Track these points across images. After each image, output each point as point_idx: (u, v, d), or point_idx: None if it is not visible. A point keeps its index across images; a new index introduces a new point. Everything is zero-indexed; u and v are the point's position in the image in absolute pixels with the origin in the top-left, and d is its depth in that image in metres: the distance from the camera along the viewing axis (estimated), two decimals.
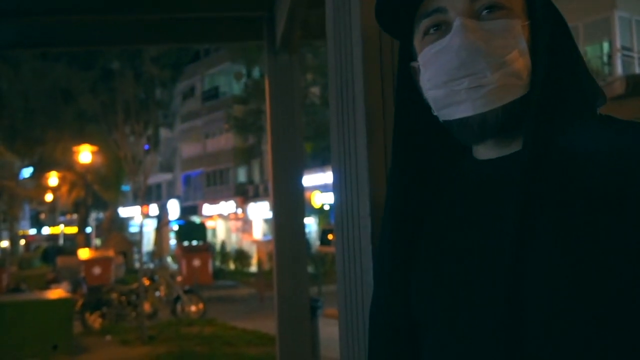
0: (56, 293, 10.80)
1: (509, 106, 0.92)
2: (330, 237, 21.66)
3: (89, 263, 17.57)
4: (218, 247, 30.10)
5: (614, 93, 7.40)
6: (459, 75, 0.92)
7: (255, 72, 29.31)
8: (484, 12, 0.94)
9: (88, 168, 24.93)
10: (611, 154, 0.87)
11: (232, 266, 27.07)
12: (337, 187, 1.52)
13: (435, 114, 1.01)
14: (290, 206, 3.84)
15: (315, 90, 24.71)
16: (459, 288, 0.93)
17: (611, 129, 0.92)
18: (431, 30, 0.98)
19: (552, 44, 0.94)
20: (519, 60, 0.92)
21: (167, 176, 41.04)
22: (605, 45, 18.61)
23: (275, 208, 3.85)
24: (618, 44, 18.09)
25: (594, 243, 0.83)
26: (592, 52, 18.90)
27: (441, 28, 0.96)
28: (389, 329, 1.05)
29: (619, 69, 17.84)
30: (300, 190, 3.85)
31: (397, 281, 1.02)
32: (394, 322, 1.04)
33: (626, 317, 0.82)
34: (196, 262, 19.75)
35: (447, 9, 0.95)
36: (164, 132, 26.08)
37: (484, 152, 1.00)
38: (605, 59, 18.66)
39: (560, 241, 0.85)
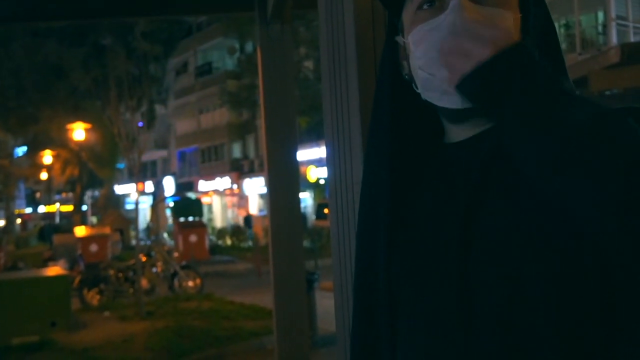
0: (53, 270, 10.82)
1: None
2: (326, 211, 21.74)
3: (86, 241, 17.61)
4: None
5: (609, 62, 7.40)
6: (448, 52, 0.90)
7: (249, 47, 29.11)
8: None
9: (82, 146, 24.84)
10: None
11: (228, 241, 27.17)
12: (330, 156, 1.51)
13: (418, 91, 1.00)
14: (285, 180, 3.82)
15: (309, 64, 24.58)
16: (422, 263, 0.97)
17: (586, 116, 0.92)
18: (425, 6, 0.95)
19: (541, 39, 0.95)
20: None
21: (162, 153, 40.95)
22: (600, 15, 18.50)
23: (270, 182, 3.83)
24: (613, 13, 17.99)
25: (543, 213, 0.86)
26: (586, 21, 18.79)
27: (435, 4, 0.94)
28: (371, 303, 1.06)
29: (613, 39, 17.75)
30: (294, 162, 3.84)
31: (385, 259, 1.03)
32: (377, 297, 1.04)
33: (569, 290, 0.85)
34: (192, 238, 19.81)
35: None
36: (157, 109, 25.97)
37: (457, 132, 1.01)
38: (600, 28, 18.57)
39: (509, 212, 0.88)
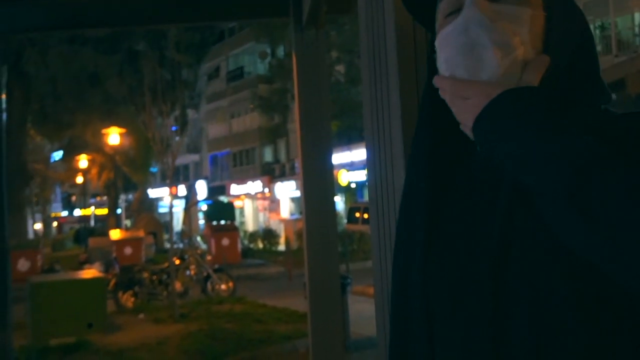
0: (89, 273, 11.01)
1: None
2: (357, 215, 21.67)
3: (120, 243, 17.87)
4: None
5: None
6: (463, 50, 0.93)
7: (280, 51, 29.27)
8: None
9: (117, 150, 25.23)
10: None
11: (260, 245, 27.29)
12: (370, 161, 1.52)
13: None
14: (319, 184, 3.84)
15: (340, 68, 24.60)
16: (457, 275, 0.96)
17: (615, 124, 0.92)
18: (448, 17, 0.99)
19: (568, 40, 0.96)
20: (521, 48, 0.92)
21: (194, 157, 41.32)
22: (637, 16, 18.17)
23: (304, 186, 3.86)
24: None
25: None
26: (622, 23, 18.47)
27: (457, 13, 0.97)
28: (408, 311, 1.06)
29: None
30: (329, 167, 3.85)
31: (422, 266, 1.03)
32: (415, 306, 1.04)
33: (603, 302, 0.84)
34: (225, 241, 19.95)
35: None
36: (190, 113, 26.25)
37: None
38: (636, 30, 18.24)
39: (543, 228, 0.86)
